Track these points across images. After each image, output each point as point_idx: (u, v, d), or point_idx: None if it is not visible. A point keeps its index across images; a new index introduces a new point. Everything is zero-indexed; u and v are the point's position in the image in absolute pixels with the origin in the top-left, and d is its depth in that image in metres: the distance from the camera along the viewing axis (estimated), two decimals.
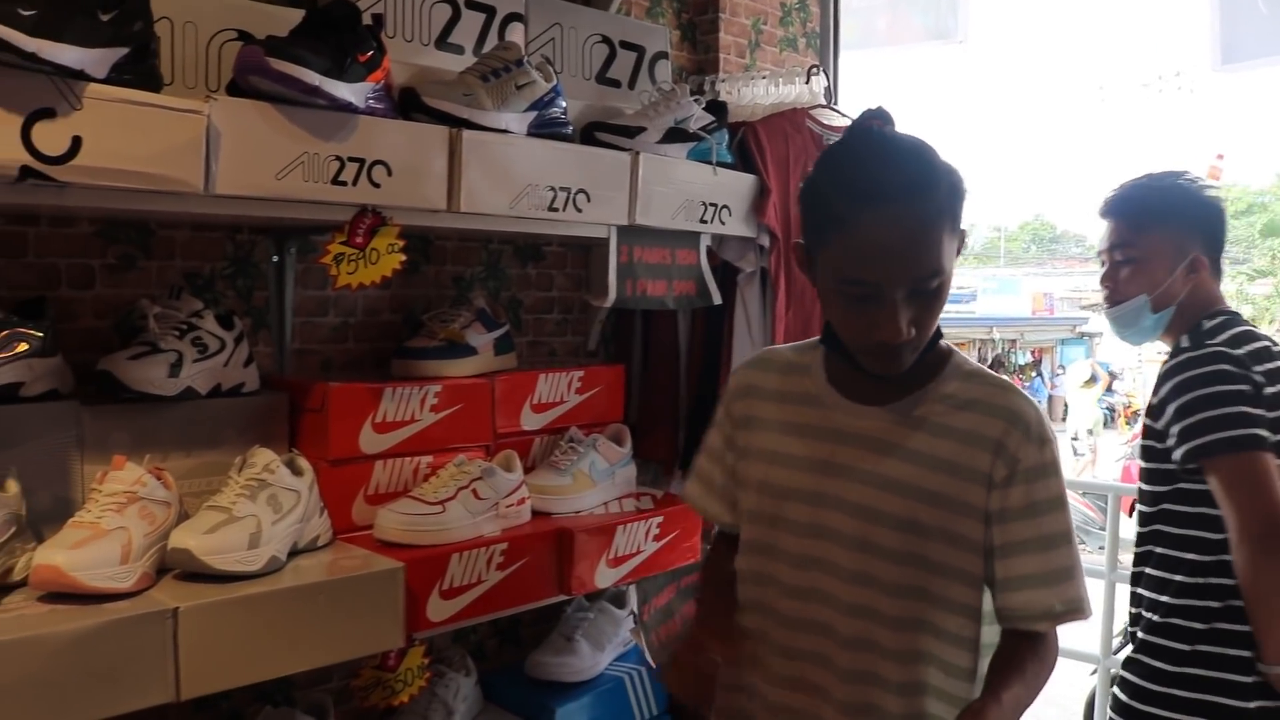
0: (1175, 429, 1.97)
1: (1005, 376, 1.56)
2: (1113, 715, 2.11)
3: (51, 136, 1.44)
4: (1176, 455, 1.98)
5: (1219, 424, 1.91)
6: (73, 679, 1.45)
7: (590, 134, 2.29)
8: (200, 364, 1.88)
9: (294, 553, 1.84)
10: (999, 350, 29.67)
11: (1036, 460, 1.47)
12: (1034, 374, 28.86)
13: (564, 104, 2.19)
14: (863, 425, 1.52)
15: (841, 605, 1.51)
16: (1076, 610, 1.47)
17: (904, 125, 2.60)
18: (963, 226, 1.45)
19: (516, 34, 2.44)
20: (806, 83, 2.80)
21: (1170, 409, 1.99)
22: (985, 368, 1.58)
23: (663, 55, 2.81)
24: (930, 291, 1.40)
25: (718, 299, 2.59)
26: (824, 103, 2.82)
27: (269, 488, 1.79)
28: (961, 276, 34.38)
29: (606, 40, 2.67)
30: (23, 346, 1.73)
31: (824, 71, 2.87)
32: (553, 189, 2.08)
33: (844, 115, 2.82)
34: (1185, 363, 2.00)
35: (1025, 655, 1.46)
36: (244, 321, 2.04)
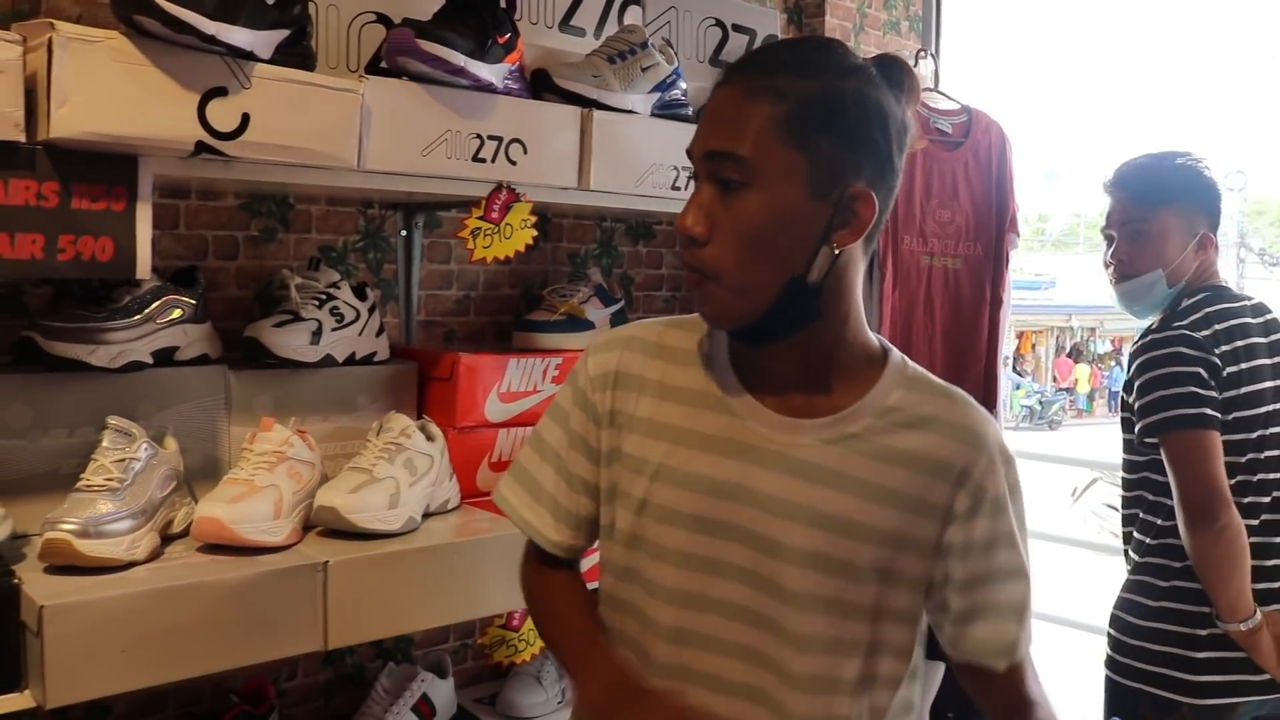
0: (1136, 406, 2.11)
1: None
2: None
3: (224, 114, 1.53)
4: (1137, 430, 2.10)
5: (1170, 403, 2.04)
6: (234, 624, 1.55)
7: None
8: (338, 333, 1.97)
9: (426, 515, 1.92)
10: (1078, 338, 29.26)
11: (1002, 487, 1.26)
12: (1113, 363, 28.43)
13: (685, 85, 2.25)
14: (787, 443, 1.22)
15: (734, 653, 1.24)
16: (1020, 653, 1.29)
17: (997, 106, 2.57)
18: (860, 185, 1.16)
19: (634, 17, 2.49)
20: (914, 66, 2.83)
21: (1135, 387, 2.12)
22: (925, 371, 1.30)
23: (772, 38, 2.85)
24: (728, 183, 1.16)
25: None
26: (931, 86, 2.85)
27: (405, 451, 1.88)
28: (1041, 262, 33.87)
29: (719, 24, 2.71)
30: (178, 313, 1.83)
31: (930, 55, 2.90)
32: (675, 168, 2.14)
33: (950, 98, 2.85)
34: (1149, 344, 2.13)
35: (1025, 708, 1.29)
36: (374, 293, 2.12)
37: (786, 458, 1.22)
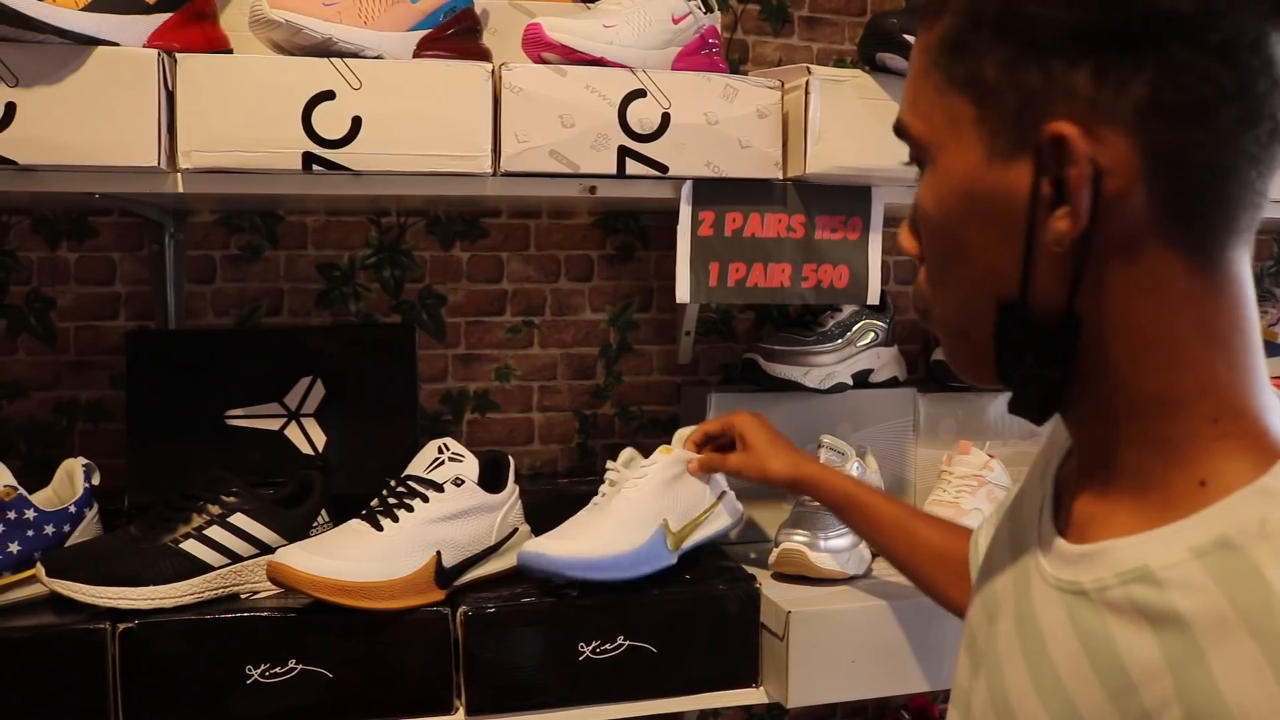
0: None
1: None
2: None
3: None
4: None
5: None
6: (943, 644, 1.54)
7: None
8: None
9: None
10: None
11: None
12: None
13: None
14: (1036, 567, 0.77)
15: None
16: None
17: None
18: (1064, 123, 0.63)
19: None
20: None
21: None
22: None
23: None
24: (918, 181, 0.76)
25: None
26: None
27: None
28: None
29: None
30: (871, 337, 1.90)
31: None
32: None
33: None
34: None
35: None
36: None
37: (1026, 585, 0.78)
